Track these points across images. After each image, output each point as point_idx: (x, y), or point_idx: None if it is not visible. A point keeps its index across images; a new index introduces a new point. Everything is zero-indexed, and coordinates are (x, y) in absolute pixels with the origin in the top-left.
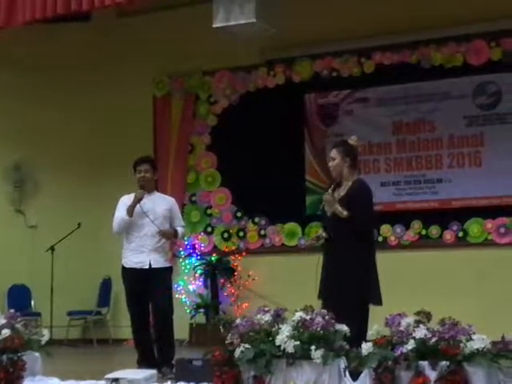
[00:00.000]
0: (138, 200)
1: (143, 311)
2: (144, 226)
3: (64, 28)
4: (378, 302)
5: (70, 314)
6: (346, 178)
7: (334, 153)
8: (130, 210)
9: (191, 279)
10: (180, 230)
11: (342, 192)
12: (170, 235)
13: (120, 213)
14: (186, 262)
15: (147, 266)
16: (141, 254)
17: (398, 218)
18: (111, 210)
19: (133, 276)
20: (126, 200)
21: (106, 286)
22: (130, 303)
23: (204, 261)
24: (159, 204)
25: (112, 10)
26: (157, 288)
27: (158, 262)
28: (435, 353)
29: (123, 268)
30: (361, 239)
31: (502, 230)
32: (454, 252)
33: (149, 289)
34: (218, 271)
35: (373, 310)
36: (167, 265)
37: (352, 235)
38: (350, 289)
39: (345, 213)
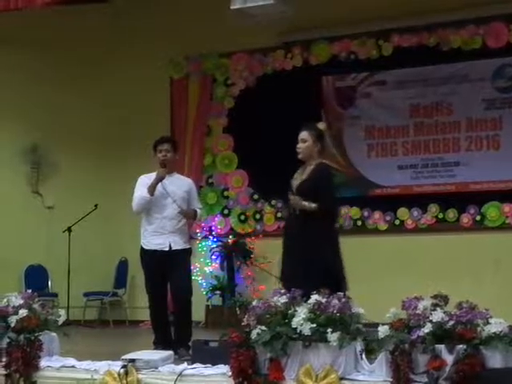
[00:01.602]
0: (159, 178)
1: (162, 293)
2: (165, 208)
3: (82, 9)
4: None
5: (86, 294)
6: (309, 162)
7: (305, 135)
8: (152, 189)
9: (207, 261)
10: (198, 211)
11: (304, 175)
12: (190, 215)
13: (140, 192)
14: (203, 243)
15: (167, 248)
16: (161, 236)
17: (415, 201)
18: (128, 192)
19: (152, 258)
20: (146, 179)
21: (122, 268)
22: (149, 285)
23: (220, 243)
24: (179, 185)
25: None
26: (177, 269)
27: (177, 243)
28: (452, 336)
29: (142, 249)
30: (328, 221)
31: None
32: (471, 236)
33: (168, 270)
34: (234, 253)
35: (390, 292)
36: (187, 246)
37: (319, 221)
38: (320, 274)
39: (313, 205)
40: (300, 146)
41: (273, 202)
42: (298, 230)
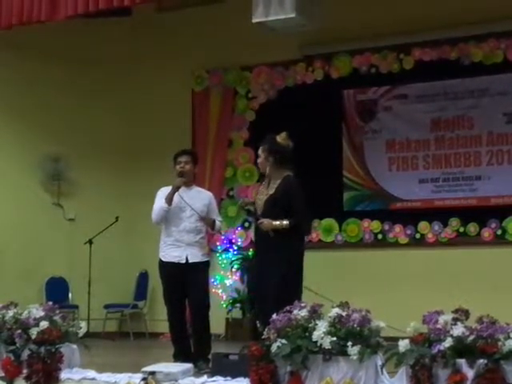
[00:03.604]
0: (176, 188)
1: (180, 305)
2: (183, 221)
3: (104, 22)
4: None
5: (106, 306)
6: (273, 176)
7: (259, 150)
8: (169, 198)
9: (228, 274)
10: (217, 222)
11: (270, 190)
12: (210, 222)
13: (159, 203)
14: (223, 256)
15: (184, 261)
16: (178, 249)
17: (436, 215)
18: (149, 204)
19: (170, 270)
20: (165, 191)
21: (142, 280)
22: (167, 297)
23: (241, 256)
24: (198, 199)
25: (152, 4)
26: (194, 282)
27: (195, 256)
28: (473, 351)
29: (161, 262)
30: (297, 236)
31: None
32: (492, 250)
33: (186, 283)
34: None
35: (411, 306)
36: (204, 259)
37: (289, 235)
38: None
39: (285, 222)
40: (257, 161)
41: None
42: (267, 245)
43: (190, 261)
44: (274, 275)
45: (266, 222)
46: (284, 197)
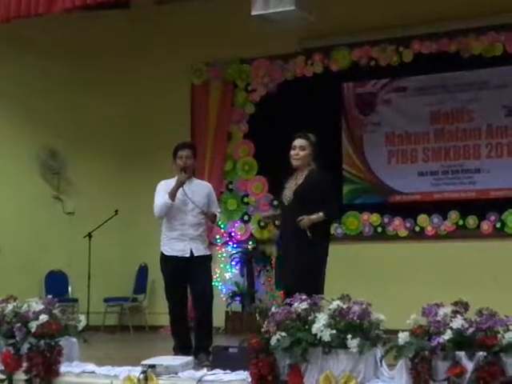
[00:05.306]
0: (180, 183)
1: (182, 299)
2: (186, 215)
3: (103, 15)
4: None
5: (106, 300)
6: (301, 169)
7: (304, 143)
8: (173, 194)
9: (227, 267)
10: (217, 215)
11: (298, 181)
12: (212, 217)
13: (161, 198)
14: (223, 249)
15: (188, 255)
16: (182, 243)
17: (436, 207)
18: (148, 198)
19: (173, 264)
20: (165, 185)
21: (142, 273)
22: (169, 291)
23: (240, 249)
24: (199, 191)
25: None
26: (198, 275)
27: (199, 250)
28: (472, 343)
29: (163, 256)
30: (326, 226)
31: None
32: (492, 243)
33: (189, 277)
34: (254, 259)
35: (410, 299)
36: (207, 252)
37: (317, 226)
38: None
39: (320, 215)
40: (298, 153)
41: None
42: (295, 232)
43: (195, 254)
44: (300, 275)
45: (306, 219)
46: (313, 187)
